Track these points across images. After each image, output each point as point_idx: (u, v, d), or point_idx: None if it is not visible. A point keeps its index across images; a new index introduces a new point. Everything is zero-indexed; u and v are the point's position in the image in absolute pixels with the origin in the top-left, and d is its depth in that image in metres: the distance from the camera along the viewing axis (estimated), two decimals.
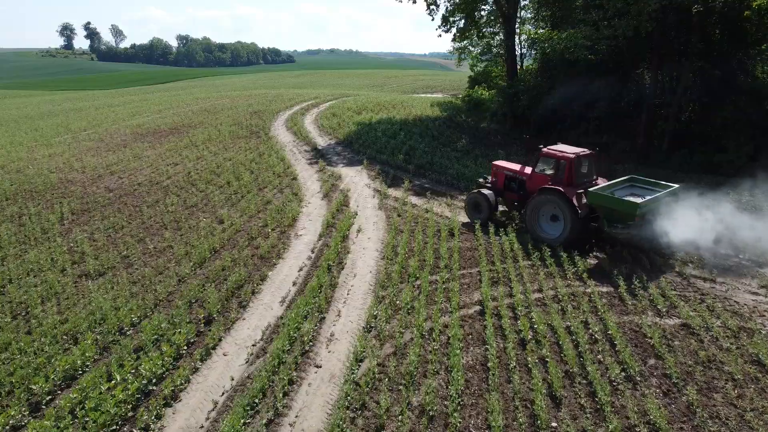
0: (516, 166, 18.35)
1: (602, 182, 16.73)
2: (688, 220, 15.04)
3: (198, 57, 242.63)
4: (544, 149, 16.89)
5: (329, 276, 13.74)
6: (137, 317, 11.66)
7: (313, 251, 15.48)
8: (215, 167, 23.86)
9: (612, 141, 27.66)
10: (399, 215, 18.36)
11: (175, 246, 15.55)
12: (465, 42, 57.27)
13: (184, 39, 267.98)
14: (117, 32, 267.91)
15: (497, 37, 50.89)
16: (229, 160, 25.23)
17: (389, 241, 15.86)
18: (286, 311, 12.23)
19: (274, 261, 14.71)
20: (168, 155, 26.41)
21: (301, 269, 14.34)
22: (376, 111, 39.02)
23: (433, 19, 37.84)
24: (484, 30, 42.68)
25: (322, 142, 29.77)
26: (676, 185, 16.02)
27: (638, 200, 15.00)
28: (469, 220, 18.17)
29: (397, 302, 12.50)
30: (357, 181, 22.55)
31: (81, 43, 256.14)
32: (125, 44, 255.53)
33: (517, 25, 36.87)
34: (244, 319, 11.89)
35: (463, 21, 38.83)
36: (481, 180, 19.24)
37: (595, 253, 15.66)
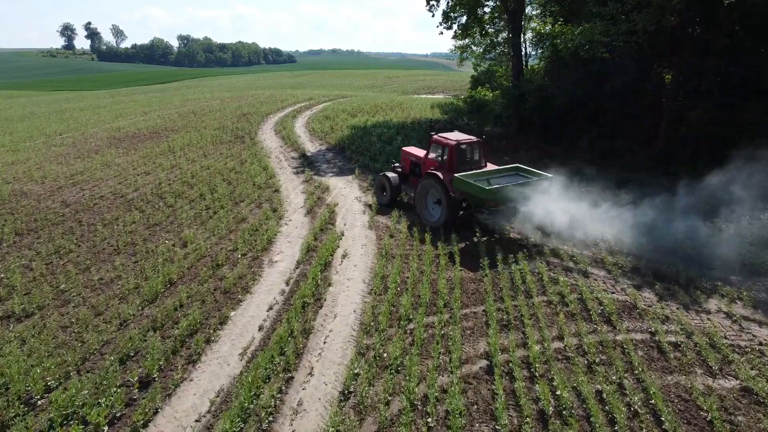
0: (421, 152, 18.85)
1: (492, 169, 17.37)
2: (549, 209, 15.31)
3: (199, 57, 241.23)
4: (435, 136, 17.70)
5: (303, 318, 11.30)
6: (55, 380, 9.23)
7: (287, 283, 13.05)
8: (189, 177, 21.46)
9: (626, 146, 25.24)
10: (392, 236, 15.93)
11: (125, 277, 13.13)
12: (467, 40, 55.12)
13: (185, 39, 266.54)
14: (117, 32, 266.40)
15: (501, 35, 48.60)
16: (207, 168, 22.84)
17: (378, 270, 13.43)
18: (245, 367, 9.81)
19: (240, 297, 12.28)
20: (140, 163, 24.02)
21: (270, 308, 11.90)
22: (373, 113, 36.60)
23: (433, 16, 35.51)
24: (487, 27, 40.36)
25: (311, 147, 27.36)
26: (549, 175, 16.78)
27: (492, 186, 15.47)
28: (380, 202, 18.94)
29: (384, 355, 10.07)
30: (346, 193, 20.14)
31: (82, 43, 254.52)
32: (126, 44, 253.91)
33: (523, 22, 34.46)
34: (191, 380, 9.45)
35: (465, 17, 36.46)
36: (394, 165, 19.78)
37: (621, 286, 13.19)
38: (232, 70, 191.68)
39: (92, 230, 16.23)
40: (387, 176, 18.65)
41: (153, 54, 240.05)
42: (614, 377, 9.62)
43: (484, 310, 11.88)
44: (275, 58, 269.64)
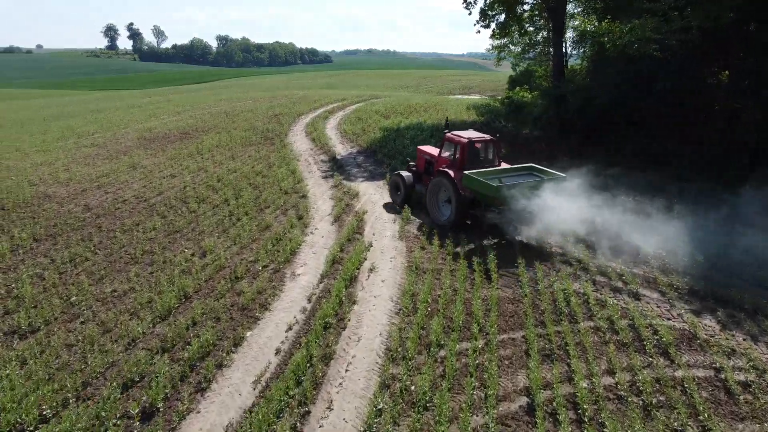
0: (435, 151, 18.37)
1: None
2: (560, 211, 14.53)
3: (237, 57, 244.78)
4: (447, 134, 17.47)
5: (324, 342, 10.35)
6: (51, 408, 8.51)
7: (309, 299, 12.12)
8: (215, 181, 20.81)
9: (675, 151, 23.51)
10: (423, 248, 14.86)
11: (139, 289, 12.43)
12: (505, 40, 53.59)
13: (223, 39, 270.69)
14: (158, 33, 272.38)
15: (541, 34, 46.85)
16: (234, 172, 22.18)
17: (408, 287, 12.38)
18: (258, 398, 8.91)
19: (258, 314, 11.41)
20: (167, 165, 23.56)
21: (290, 328, 10.99)
22: (406, 115, 35.54)
23: (470, 13, 33.78)
24: (526, 26, 38.84)
25: (342, 150, 26.48)
26: (563, 175, 16.19)
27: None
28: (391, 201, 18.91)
29: (412, 388, 9.03)
30: (376, 200, 19.14)
31: (125, 43, 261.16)
32: (167, 44, 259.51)
33: (565, 20, 32.85)
34: (198, 411, 8.60)
35: (503, 15, 35.08)
36: (409, 164, 19.47)
37: (678, 311, 11.81)
38: (268, 69, 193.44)
39: (111, 237, 15.64)
40: (401, 175, 18.41)
41: (192, 54, 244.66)
42: (675, 423, 8.36)
43: (523, 337, 10.72)
44: (311, 58, 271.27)
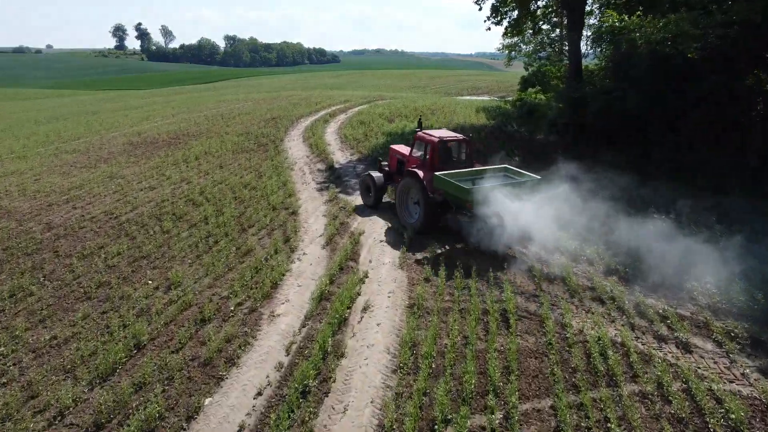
0: (407, 150, 17.81)
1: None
2: (527, 215, 13.62)
3: (244, 57, 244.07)
4: (419, 133, 16.86)
5: (300, 415, 8.20)
6: None
7: (288, 350, 9.94)
8: (197, 194, 18.71)
9: (710, 160, 21.17)
10: (427, 279, 12.66)
11: (84, 336, 10.31)
12: (516, 38, 51.55)
13: (231, 39, 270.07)
14: (167, 33, 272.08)
15: (556, 32, 44.76)
16: (220, 183, 20.08)
17: (407, 333, 10.19)
18: None
19: (222, 372, 9.26)
20: (148, 175, 21.49)
21: (260, 393, 8.81)
22: (412, 118, 33.32)
23: (480, 9, 31.46)
24: (540, 23, 36.58)
25: (341, 158, 24.31)
26: (537, 177, 15.32)
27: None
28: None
29: None
30: (376, 217, 16.96)
31: (134, 44, 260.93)
32: (174, 45, 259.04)
33: (584, 16, 30.53)
34: None
35: (515, 12, 32.83)
36: (380, 163, 18.70)
37: (741, 370, 9.54)
38: (275, 70, 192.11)
39: (66, 264, 13.51)
40: (371, 175, 17.67)
41: (200, 54, 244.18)
42: None
43: (552, 407, 8.51)
44: (319, 58, 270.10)
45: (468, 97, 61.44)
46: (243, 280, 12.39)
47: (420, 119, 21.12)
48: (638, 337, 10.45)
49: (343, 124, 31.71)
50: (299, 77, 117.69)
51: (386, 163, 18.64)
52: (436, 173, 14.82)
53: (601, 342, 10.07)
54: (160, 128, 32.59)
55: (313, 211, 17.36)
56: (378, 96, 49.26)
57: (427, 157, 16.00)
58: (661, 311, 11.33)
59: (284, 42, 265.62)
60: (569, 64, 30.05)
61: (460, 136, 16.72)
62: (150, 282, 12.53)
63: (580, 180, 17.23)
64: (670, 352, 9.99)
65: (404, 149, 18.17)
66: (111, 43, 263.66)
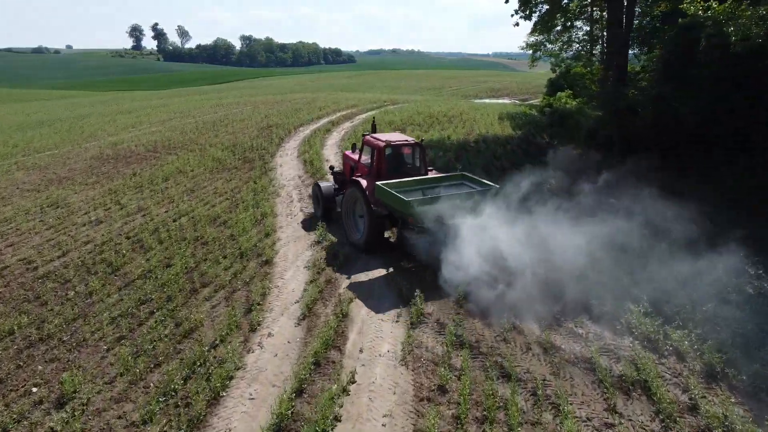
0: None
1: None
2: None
3: (260, 57, 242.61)
4: (366, 136, 15.08)
5: None
6: None
7: None
8: (149, 234, 14.70)
9: None
10: (443, 387, 8.51)
11: None
12: (542, 36, 47.74)
13: (247, 39, 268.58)
14: (183, 33, 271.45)
15: (585, 29, 40.49)
16: (184, 215, 16.11)
17: None
18: None
19: None
20: (99, 203, 17.56)
21: None
22: (426, 127, 29.22)
23: (507, 1, 26.94)
24: (574, 17, 32.29)
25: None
26: (495, 185, 13.37)
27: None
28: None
29: None
30: (374, 270, 12.84)
31: (151, 44, 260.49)
32: (191, 45, 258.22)
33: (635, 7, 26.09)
34: None
35: (547, 5, 28.59)
36: (332, 170, 17.06)
37: None
38: (290, 70, 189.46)
39: None
40: (318, 185, 15.97)
41: (216, 54, 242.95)
42: None
43: None
44: (335, 58, 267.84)
45: (487, 100, 57.15)
46: (168, 390, 8.35)
47: (374, 120, 19.03)
48: None
49: (347, 135, 27.65)
50: (311, 78, 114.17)
51: (339, 169, 17.11)
52: (378, 182, 12.91)
53: None
54: (141, 138, 28.83)
55: (293, 259, 13.28)
56: (389, 100, 45.12)
57: (373, 164, 14.23)
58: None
59: (300, 42, 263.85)
60: (616, 65, 25.46)
61: (411, 139, 14.77)
62: (33, 389, 8.55)
63: (634, 210, 13.29)
64: None
65: (356, 155, 15.96)
66: (129, 43, 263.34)
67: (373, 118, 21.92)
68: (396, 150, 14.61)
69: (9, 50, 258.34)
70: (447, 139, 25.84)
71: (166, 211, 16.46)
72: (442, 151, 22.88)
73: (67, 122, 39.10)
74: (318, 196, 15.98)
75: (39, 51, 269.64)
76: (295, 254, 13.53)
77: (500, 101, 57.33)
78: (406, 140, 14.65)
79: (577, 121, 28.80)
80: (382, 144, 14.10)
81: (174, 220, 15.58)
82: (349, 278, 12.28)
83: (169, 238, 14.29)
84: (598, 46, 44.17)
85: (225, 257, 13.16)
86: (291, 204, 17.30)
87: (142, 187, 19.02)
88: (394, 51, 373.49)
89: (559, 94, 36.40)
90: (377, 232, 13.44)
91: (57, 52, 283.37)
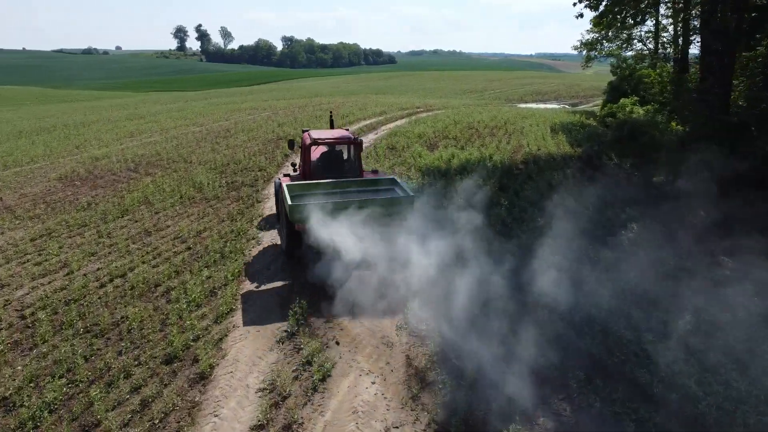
0: None
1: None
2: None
3: (300, 58, 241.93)
4: (304, 132, 13.44)
5: None
6: None
7: None
8: (58, 309, 10.21)
9: None
10: None
11: None
12: (597, 34, 42.65)
13: (288, 40, 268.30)
14: (225, 34, 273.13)
15: (648, 24, 35.07)
16: (118, 276, 11.52)
17: None
18: None
19: None
20: (21, 250, 13.11)
21: None
22: (463, 141, 24.16)
23: None
24: (650, 11, 26.68)
25: None
26: (410, 194, 11.62)
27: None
28: None
29: None
30: (370, 409, 7.91)
31: (195, 45, 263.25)
32: (233, 45, 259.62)
33: None
34: None
35: None
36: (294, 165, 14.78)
37: None
38: (329, 71, 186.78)
39: None
40: (278, 182, 13.43)
41: (257, 55, 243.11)
42: None
43: None
44: (375, 59, 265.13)
45: (532, 105, 51.39)
46: None
47: (331, 114, 17.25)
48: None
49: (368, 150, 22.85)
50: (347, 79, 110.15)
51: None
52: (285, 183, 11.94)
53: None
54: (129, 151, 24.76)
55: (246, 369, 8.47)
56: (423, 105, 40.07)
57: (301, 162, 13.27)
58: None
59: (340, 43, 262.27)
60: (717, 68, 19.66)
61: (347, 135, 13.27)
62: None
63: None
64: None
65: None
66: (174, 44, 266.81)
67: (330, 112, 19.47)
68: (326, 148, 13.22)
69: (60, 51, 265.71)
70: (489, 158, 20.74)
71: (98, 269, 11.96)
72: (481, 178, 17.80)
73: (70, 129, 35.69)
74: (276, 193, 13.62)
75: (88, 52, 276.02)
76: (250, 360, 8.73)
77: (548, 106, 51.52)
78: (339, 137, 13.06)
79: (652, 137, 23.19)
80: (308, 141, 12.71)
81: (96, 289, 11.03)
82: (325, 412, 7.45)
83: (70, 322, 9.68)
84: (670, 45, 38.23)
85: (138, 364, 8.49)
86: (273, 261, 12.54)
87: (87, 226, 14.61)
88: (435, 52, 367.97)
89: (623, 100, 30.67)
90: (291, 237, 11.62)
91: (105, 53, 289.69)
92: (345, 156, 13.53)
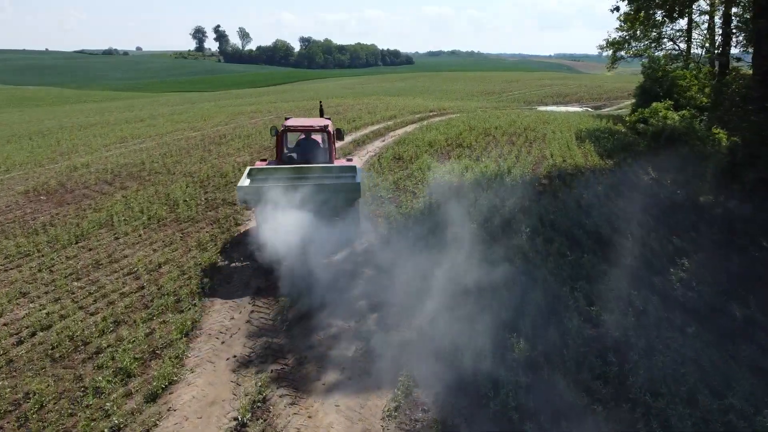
0: None
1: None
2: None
3: (318, 59, 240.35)
4: (287, 119, 13.89)
5: None
6: None
7: None
8: None
9: None
10: None
11: None
12: (624, 33, 40.22)
13: (306, 41, 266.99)
14: (243, 35, 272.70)
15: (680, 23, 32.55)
16: (42, 329, 9.32)
17: None
18: None
19: None
20: None
21: None
22: (479, 150, 21.66)
23: None
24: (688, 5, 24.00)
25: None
26: (353, 181, 12.03)
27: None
28: None
29: None
30: None
31: (214, 45, 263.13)
32: (251, 46, 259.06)
33: None
34: None
35: None
36: None
37: None
38: (346, 72, 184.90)
39: None
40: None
41: (275, 55, 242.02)
42: None
43: None
44: (393, 60, 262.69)
45: (553, 108, 48.55)
46: None
47: (321, 104, 17.49)
48: None
49: (371, 161, 20.47)
50: (362, 80, 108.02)
51: None
52: (250, 167, 12.46)
53: None
54: (111, 160, 22.67)
55: None
56: (437, 108, 37.56)
57: (276, 148, 13.51)
58: None
59: (358, 43, 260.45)
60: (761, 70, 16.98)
61: (319, 123, 13.34)
62: None
63: None
64: None
65: None
66: (193, 45, 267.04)
67: (320, 102, 19.80)
68: (299, 135, 14.04)
69: (82, 52, 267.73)
70: (507, 171, 18.20)
71: (23, 316, 9.74)
72: (500, 195, 15.28)
73: (66, 132, 33.92)
74: None
75: (109, 53, 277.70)
76: None
77: (569, 109, 48.64)
78: (309, 125, 13.55)
79: (694, 148, 20.46)
80: (283, 127, 13.36)
81: (18, 342, 8.78)
82: None
83: None
84: (704, 44, 35.41)
85: None
86: (239, 307, 10.18)
87: (28, 256, 12.42)
88: (453, 52, 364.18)
89: (655, 104, 27.79)
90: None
91: (125, 53, 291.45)
92: (320, 144, 13.77)
